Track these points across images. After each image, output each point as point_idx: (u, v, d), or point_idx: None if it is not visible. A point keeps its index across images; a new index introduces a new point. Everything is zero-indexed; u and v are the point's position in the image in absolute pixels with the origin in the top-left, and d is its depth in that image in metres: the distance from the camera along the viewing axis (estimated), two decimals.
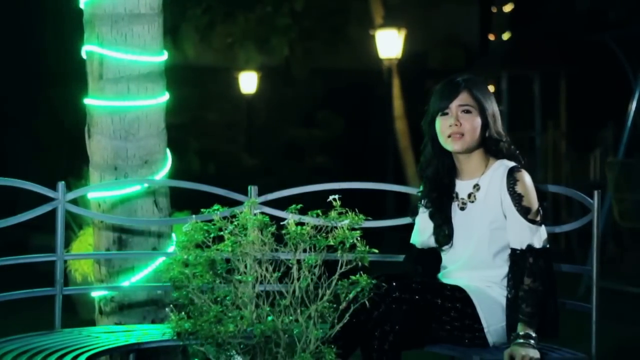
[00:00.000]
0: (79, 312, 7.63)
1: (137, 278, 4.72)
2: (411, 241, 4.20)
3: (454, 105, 3.97)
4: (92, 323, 4.87)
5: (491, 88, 16.70)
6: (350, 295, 3.50)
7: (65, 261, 6.63)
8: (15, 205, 4.39)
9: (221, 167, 19.70)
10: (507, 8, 17.20)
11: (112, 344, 4.01)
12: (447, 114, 3.98)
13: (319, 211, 3.60)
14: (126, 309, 4.76)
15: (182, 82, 19.47)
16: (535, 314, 3.78)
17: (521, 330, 3.76)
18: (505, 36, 16.93)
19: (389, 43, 14.81)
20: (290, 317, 3.48)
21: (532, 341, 3.74)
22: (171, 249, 4.72)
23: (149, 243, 4.76)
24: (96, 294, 4.84)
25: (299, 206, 3.65)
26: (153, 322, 4.70)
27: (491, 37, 16.59)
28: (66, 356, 3.74)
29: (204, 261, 3.53)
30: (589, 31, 13.73)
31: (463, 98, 3.97)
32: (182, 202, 6.38)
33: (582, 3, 15.81)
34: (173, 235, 4.85)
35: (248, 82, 19.89)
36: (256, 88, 19.99)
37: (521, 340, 3.74)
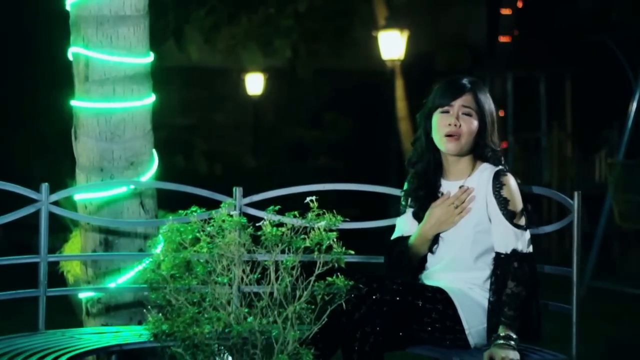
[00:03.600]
0: (77, 314, 7.63)
1: (124, 279, 4.72)
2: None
3: (457, 104, 3.94)
4: None
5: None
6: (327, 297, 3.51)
7: (58, 262, 6.67)
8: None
9: (228, 168, 19.73)
10: (515, 9, 17.15)
11: (94, 345, 4.02)
12: (447, 111, 3.95)
13: (296, 212, 3.61)
14: (113, 310, 4.76)
15: (189, 83, 19.57)
16: (517, 317, 3.77)
17: (502, 331, 3.75)
18: (511, 38, 16.89)
19: (392, 44, 14.79)
20: (269, 319, 3.48)
21: (512, 342, 3.73)
22: (158, 249, 4.72)
23: (136, 244, 4.77)
24: (83, 295, 4.85)
25: (277, 207, 3.66)
26: (139, 323, 4.70)
27: (503, 39, 16.55)
28: (47, 357, 3.73)
29: (180, 262, 3.53)
30: (590, 32, 13.69)
31: (467, 99, 3.94)
32: (175, 203, 6.39)
33: (584, 3, 15.77)
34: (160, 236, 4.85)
35: (254, 83, 19.90)
36: (262, 89, 19.99)
37: (501, 342, 3.73)
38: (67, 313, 7.21)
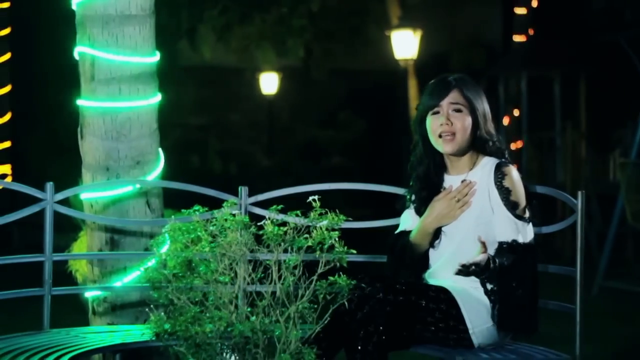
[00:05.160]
0: (87, 313, 7.63)
1: (130, 278, 4.72)
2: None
3: (445, 103, 3.96)
4: None
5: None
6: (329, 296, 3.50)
7: (67, 261, 6.68)
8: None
9: (242, 167, 19.76)
10: (529, 9, 17.11)
11: (98, 344, 4.01)
12: (437, 112, 3.97)
13: (298, 212, 3.60)
14: (119, 309, 4.77)
15: (203, 83, 19.59)
16: (497, 282, 3.82)
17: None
18: (526, 37, 16.85)
19: (405, 44, 14.76)
20: (271, 318, 3.48)
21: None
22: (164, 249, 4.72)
23: (141, 243, 4.77)
24: (89, 294, 4.85)
25: (279, 207, 3.66)
26: (145, 322, 4.69)
27: (518, 38, 16.50)
28: (49, 356, 3.72)
29: (181, 261, 3.53)
30: (604, 32, 13.66)
31: (454, 97, 3.96)
32: (183, 202, 6.39)
33: (598, 3, 15.73)
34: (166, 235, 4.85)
35: (269, 82, 19.90)
36: (277, 89, 20.00)
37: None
38: (76, 312, 7.23)
